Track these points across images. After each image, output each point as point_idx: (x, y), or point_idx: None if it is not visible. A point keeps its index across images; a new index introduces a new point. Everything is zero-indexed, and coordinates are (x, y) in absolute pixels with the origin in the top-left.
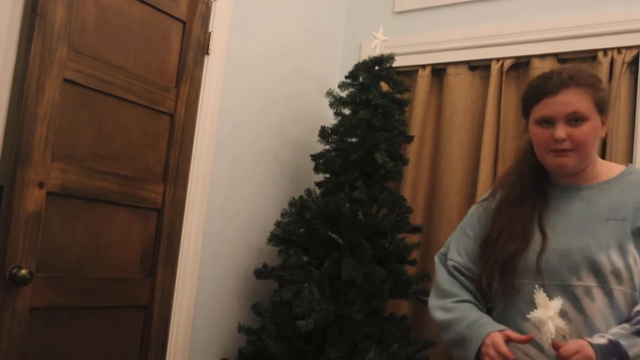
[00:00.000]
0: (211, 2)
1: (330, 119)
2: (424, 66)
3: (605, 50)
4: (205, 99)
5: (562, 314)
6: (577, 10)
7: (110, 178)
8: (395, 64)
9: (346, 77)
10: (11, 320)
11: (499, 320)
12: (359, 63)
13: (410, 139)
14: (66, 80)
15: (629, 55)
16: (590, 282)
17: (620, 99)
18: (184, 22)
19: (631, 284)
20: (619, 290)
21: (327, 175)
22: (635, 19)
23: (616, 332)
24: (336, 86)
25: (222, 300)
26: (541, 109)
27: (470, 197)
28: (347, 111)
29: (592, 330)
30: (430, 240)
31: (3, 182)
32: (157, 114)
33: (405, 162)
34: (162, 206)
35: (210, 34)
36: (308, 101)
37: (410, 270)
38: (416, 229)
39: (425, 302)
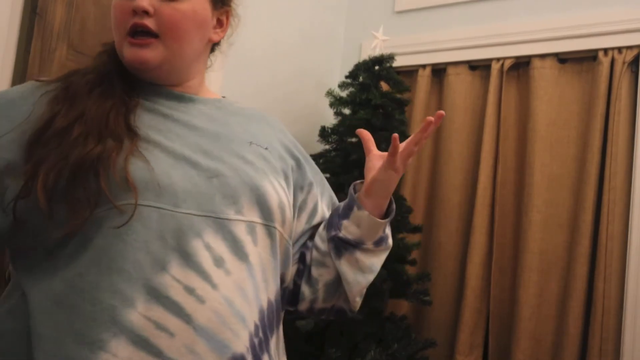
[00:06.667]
0: None
1: (330, 119)
2: (424, 66)
3: (605, 50)
4: None
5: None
6: (577, 10)
7: None
8: (395, 64)
9: (346, 77)
10: None
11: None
12: (359, 63)
13: None
14: None
15: (630, 55)
16: (254, 217)
17: (621, 99)
18: None
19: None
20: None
21: (327, 175)
22: (636, 18)
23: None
24: (336, 86)
25: None
26: None
27: (471, 197)
28: (347, 111)
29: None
30: (430, 240)
31: None
32: None
33: None
34: None
35: None
36: (308, 101)
37: (410, 270)
38: (416, 229)
39: (426, 302)
